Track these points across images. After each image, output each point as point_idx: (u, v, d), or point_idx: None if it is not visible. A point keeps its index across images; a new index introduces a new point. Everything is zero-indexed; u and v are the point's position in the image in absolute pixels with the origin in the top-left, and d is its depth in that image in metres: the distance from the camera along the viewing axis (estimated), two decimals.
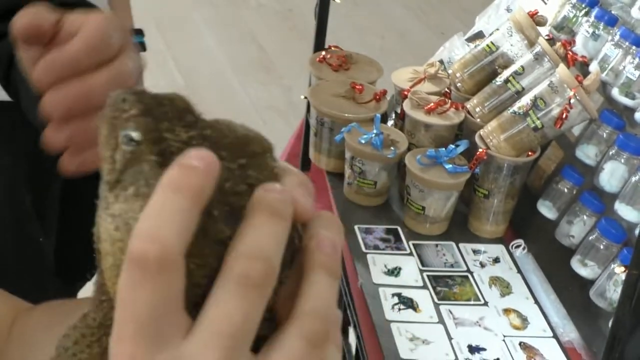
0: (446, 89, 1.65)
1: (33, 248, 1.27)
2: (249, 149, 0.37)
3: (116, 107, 0.35)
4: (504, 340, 1.29)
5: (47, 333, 0.62)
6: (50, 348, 0.62)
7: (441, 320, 1.32)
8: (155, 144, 0.35)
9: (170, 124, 0.35)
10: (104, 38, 0.67)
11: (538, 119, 1.43)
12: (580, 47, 1.54)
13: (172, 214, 0.33)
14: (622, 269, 1.24)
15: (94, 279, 0.41)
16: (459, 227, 1.54)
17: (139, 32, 1.92)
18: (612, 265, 1.30)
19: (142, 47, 1.96)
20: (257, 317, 0.35)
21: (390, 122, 1.71)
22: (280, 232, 0.36)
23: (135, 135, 0.35)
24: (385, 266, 1.42)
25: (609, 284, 1.30)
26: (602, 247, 1.34)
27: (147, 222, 0.33)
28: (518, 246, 1.49)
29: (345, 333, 1.47)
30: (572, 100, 1.40)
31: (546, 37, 1.58)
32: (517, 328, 1.32)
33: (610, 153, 1.39)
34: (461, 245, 1.50)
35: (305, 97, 1.75)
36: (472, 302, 1.37)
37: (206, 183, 0.34)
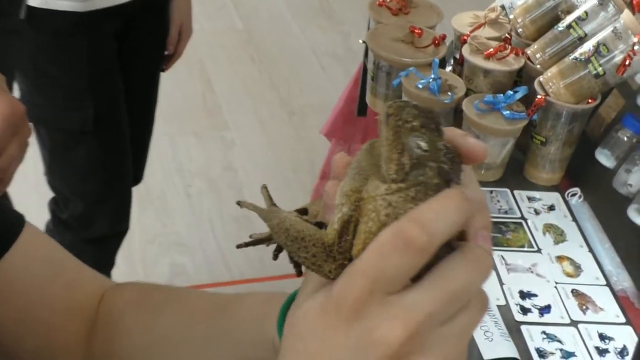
0: (506, 35, 1.63)
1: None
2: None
3: (400, 117, 0.45)
4: (555, 287, 1.29)
5: (136, 318, 0.64)
6: (138, 334, 0.62)
7: (493, 266, 1.32)
8: (435, 152, 0.44)
9: (433, 134, 0.45)
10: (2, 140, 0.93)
11: (600, 65, 1.40)
12: None
13: (446, 220, 0.42)
14: None
15: None
16: (515, 174, 1.53)
17: None
18: None
19: None
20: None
21: (448, 68, 1.70)
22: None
23: (423, 145, 0.44)
24: None
25: None
26: None
27: (426, 214, 0.42)
28: (574, 194, 1.47)
29: None
30: (636, 47, 1.37)
31: None
32: (569, 275, 1.32)
33: None
34: (516, 192, 1.49)
35: (364, 41, 1.74)
36: (525, 249, 1.37)
37: (468, 214, 0.44)
